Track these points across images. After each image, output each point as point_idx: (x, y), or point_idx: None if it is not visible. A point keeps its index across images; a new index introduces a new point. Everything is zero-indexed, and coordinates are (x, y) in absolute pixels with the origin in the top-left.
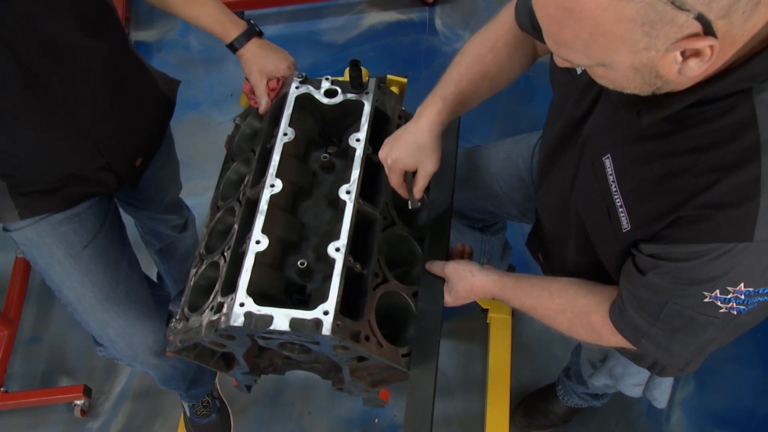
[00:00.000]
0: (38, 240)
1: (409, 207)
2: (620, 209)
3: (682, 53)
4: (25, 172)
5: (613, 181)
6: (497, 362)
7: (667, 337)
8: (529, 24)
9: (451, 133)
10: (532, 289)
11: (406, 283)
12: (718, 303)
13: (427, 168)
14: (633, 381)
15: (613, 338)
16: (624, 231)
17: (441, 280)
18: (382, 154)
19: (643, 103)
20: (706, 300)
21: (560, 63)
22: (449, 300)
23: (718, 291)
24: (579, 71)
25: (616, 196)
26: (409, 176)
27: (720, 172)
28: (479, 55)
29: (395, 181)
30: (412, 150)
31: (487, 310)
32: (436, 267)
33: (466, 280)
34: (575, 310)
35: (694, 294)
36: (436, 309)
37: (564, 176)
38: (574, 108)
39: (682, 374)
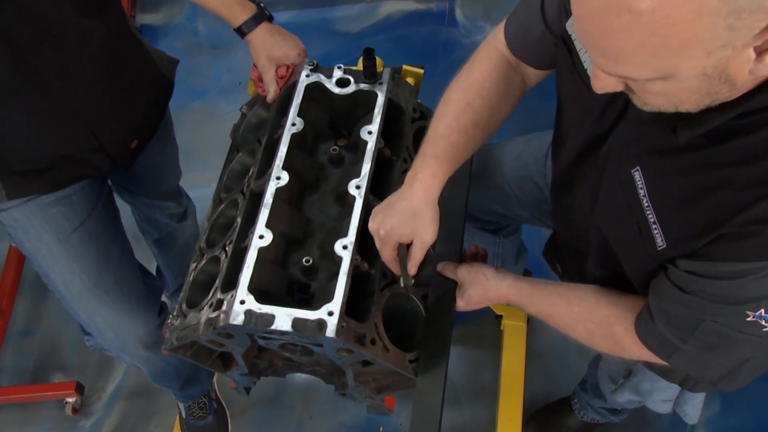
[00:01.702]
0: (25, 222)
1: (401, 284)
2: (653, 225)
3: (756, 48)
4: (13, 153)
5: (644, 196)
6: (510, 371)
7: (700, 354)
8: (523, 49)
9: None
10: (550, 296)
11: (416, 285)
12: (762, 322)
13: (424, 239)
14: (662, 397)
15: (637, 351)
16: (659, 249)
17: (453, 283)
18: (373, 225)
19: (679, 120)
20: (748, 319)
21: (602, 86)
22: (461, 304)
23: (762, 310)
24: None
25: (648, 212)
26: (403, 249)
27: (766, 186)
28: (467, 102)
29: (387, 255)
30: (407, 219)
31: (501, 316)
32: (448, 269)
33: (479, 284)
34: (596, 320)
35: (736, 313)
36: (446, 313)
37: (584, 192)
38: (596, 125)
39: (717, 389)
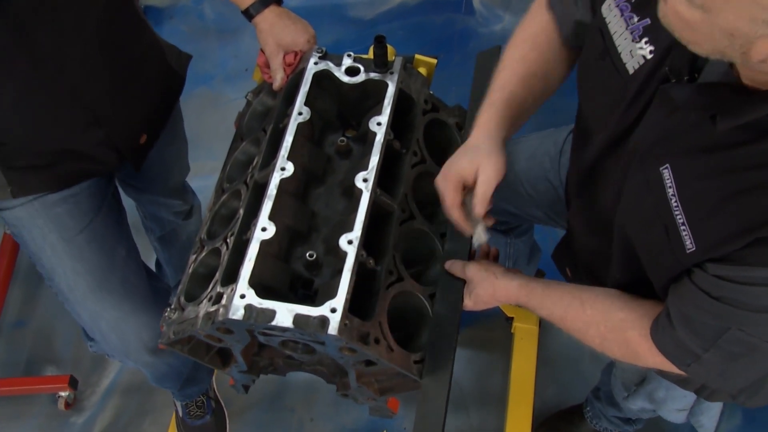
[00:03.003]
0: (29, 221)
1: (473, 243)
2: (682, 227)
3: None
4: (12, 137)
5: (672, 195)
6: (520, 376)
7: (722, 364)
8: (562, 11)
9: None
10: (562, 298)
11: (422, 284)
12: None
13: (486, 171)
14: (677, 406)
15: (651, 359)
16: (688, 252)
17: (461, 282)
18: (439, 177)
19: (719, 107)
20: None
21: None
22: (469, 304)
23: None
24: (632, 70)
25: (677, 212)
26: (469, 200)
27: None
28: (521, 55)
29: (450, 197)
30: (468, 154)
31: (512, 318)
32: (456, 267)
33: (488, 283)
34: (609, 325)
35: (766, 322)
36: (453, 313)
37: (606, 191)
38: (623, 116)
39: (735, 402)
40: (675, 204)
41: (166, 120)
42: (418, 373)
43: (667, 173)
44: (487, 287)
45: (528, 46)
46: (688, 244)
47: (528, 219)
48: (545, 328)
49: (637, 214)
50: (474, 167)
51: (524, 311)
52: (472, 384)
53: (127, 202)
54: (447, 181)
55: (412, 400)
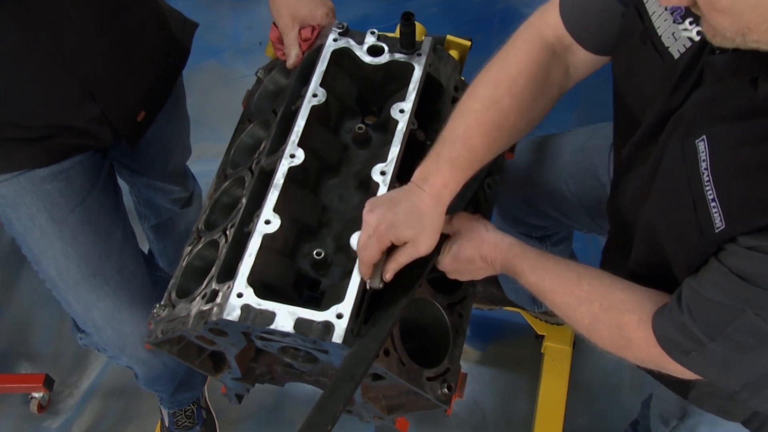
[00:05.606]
0: (15, 199)
1: (367, 286)
2: (712, 203)
3: None
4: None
5: (705, 169)
6: (549, 402)
7: (727, 356)
8: (581, 25)
9: None
10: (557, 267)
11: (441, 291)
12: None
13: (420, 248)
14: None
15: (645, 350)
16: (717, 231)
17: (443, 238)
18: (373, 217)
19: (761, 69)
20: None
21: None
22: (446, 260)
23: None
24: (677, 54)
25: (707, 188)
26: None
27: None
28: (493, 99)
29: (373, 253)
30: (413, 220)
31: (542, 337)
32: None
33: (476, 234)
34: (606, 303)
35: None
36: (418, 269)
37: (640, 174)
38: (669, 99)
39: (736, 399)
40: (707, 179)
41: (167, 95)
42: (432, 391)
43: (702, 146)
44: (473, 239)
45: (504, 88)
46: (718, 222)
47: (568, 224)
48: (580, 349)
49: (668, 194)
50: (413, 237)
51: (556, 330)
52: (494, 406)
53: (122, 188)
54: (379, 242)
55: (424, 421)
